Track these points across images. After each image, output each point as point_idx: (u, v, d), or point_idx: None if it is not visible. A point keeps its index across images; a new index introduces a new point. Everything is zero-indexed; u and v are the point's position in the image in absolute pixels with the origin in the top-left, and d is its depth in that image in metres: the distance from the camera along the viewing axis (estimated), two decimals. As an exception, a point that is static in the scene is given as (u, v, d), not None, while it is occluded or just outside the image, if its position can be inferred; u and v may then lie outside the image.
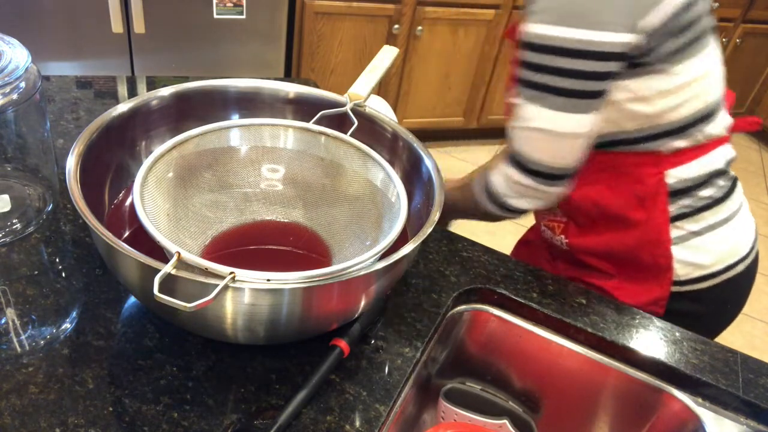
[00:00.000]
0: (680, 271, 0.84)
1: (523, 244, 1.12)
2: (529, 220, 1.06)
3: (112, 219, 0.70)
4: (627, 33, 0.69)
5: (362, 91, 0.77)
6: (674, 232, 0.82)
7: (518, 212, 0.84)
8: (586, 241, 0.89)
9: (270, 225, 0.74)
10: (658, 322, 0.78)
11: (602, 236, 0.86)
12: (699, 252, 0.83)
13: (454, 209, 0.94)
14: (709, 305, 0.88)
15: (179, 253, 0.51)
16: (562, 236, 0.92)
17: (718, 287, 0.86)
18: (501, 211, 0.85)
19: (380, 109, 0.84)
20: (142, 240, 0.56)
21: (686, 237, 0.83)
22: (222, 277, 0.49)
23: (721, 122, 0.81)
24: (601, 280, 0.89)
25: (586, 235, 0.89)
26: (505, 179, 0.81)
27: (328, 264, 0.70)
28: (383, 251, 0.58)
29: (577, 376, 0.77)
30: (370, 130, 0.78)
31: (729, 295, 0.89)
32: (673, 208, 0.81)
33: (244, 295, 0.51)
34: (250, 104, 0.81)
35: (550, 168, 0.77)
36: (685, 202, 0.81)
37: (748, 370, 0.73)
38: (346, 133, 0.73)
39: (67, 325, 0.63)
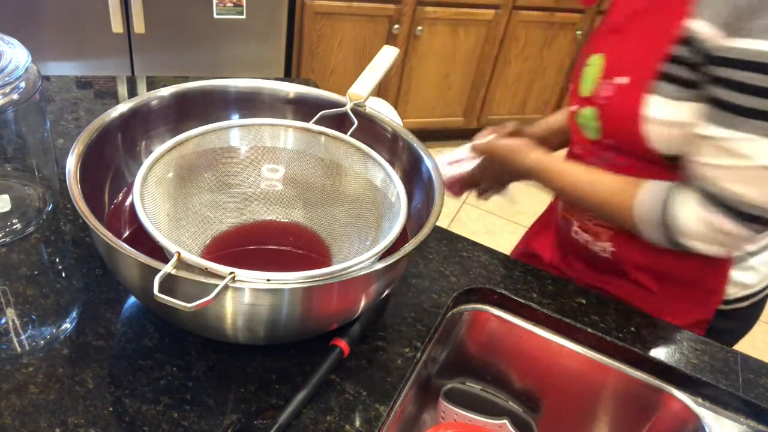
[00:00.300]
0: (729, 291, 0.83)
1: (527, 257, 1.05)
2: (525, 218, 1.05)
3: (112, 219, 0.70)
4: None
5: (362, 91, 0.77)
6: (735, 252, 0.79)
7: (688, 250, 0.74)
8: (639, 254, 0.82)
9: (270, 225, 0.74)
10: (657, 322, 0.78)
11: (659, 252, 0.79)
12: (750, 272, 0.82)
13: (561, 188, 0.81)
14: (743, 323, 0.87)
15: (179, 253, 0.51)
16: (608, 244, 0.85)
17: (755, 305, 0.85)
18: (669, 244, 0.74)
19: (384, 111, 0.83)
20: (142, 240, 0.56)
21: (744, 257, 0.81)
22: (222, 277, 0.49)
23: None
24: (637, 295, 0.85)
25: (640, 247, 0.81)
26: (704, 225, 0.69)
27: (328, 264, 0.70)
28: (383, 251, 0.58)
29: (577, 376, 0.77)
30: (370, 130, 0.78)
31: (759, 312, 0.89)
32: None
33: (244, 295, 0.51)
34: (250, 104, 0.81)
35: None
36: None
37: (748, 370, 0.73)
38: (346, 133, 0.73)
39: (67, 325, 0.63)
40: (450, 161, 0.94)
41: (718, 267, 0.81)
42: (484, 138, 0.92)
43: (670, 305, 0.84)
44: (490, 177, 0.92)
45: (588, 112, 0.79)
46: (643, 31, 0.72)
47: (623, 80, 0.73)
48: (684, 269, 0.82)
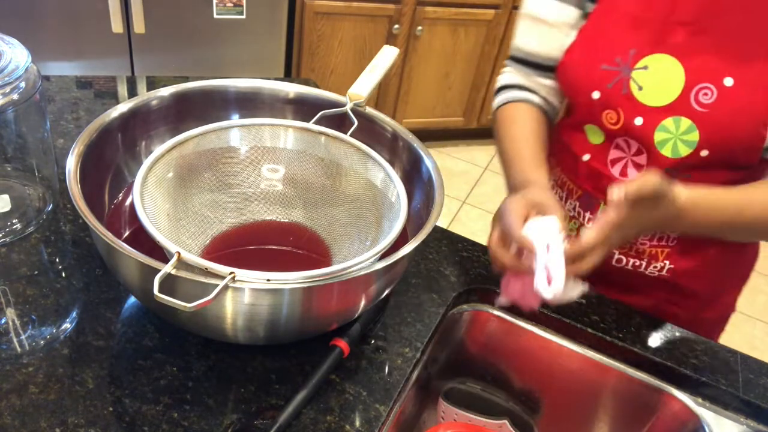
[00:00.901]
0: None
1: None
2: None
3: (112, 219, 0.70)
4: None
5: (362, 91, 0.77)
6: None
7: None
8: (696, 263, 0.80)
9: (270, 225, 0.74)
10: (657, 322, 0.78)
11: (721, 254, 0.78)
12: None
13: (722, 221, 0.69)
14: None
15: (179, 253, 0.51)
16: (666, 262, 0.80)
17: None
18: None
19: None
20: (142, 240, 0.56)
21: None
22: (222, 277, 0.49)
23: None
24: (681, 304, 0.84)
25: (698, 256, 0.79)
26: None
27: (328, 264, 0.70)
28: (383, 251, 0.58)
29: (577, 376, 0.77)
30: (370, 130, 0.78)
31: None
32: None
33: (244, 295, 0.51)
34: (250, 104, 0.81)
35: None
36: None
37: (748, 370, 0.73)
38: (346, 133, 0.73)
39: (67, 325, 0.63)
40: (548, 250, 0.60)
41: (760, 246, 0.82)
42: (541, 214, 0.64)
43: (716, 299, 0.84)
44: (620, 237, 0.63)
45: (673, 123, 0.70)
46: (744, 28, 0.66)
47: (729, 82, 0.67)
48: (743, 260, 0.82)
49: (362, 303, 0.60)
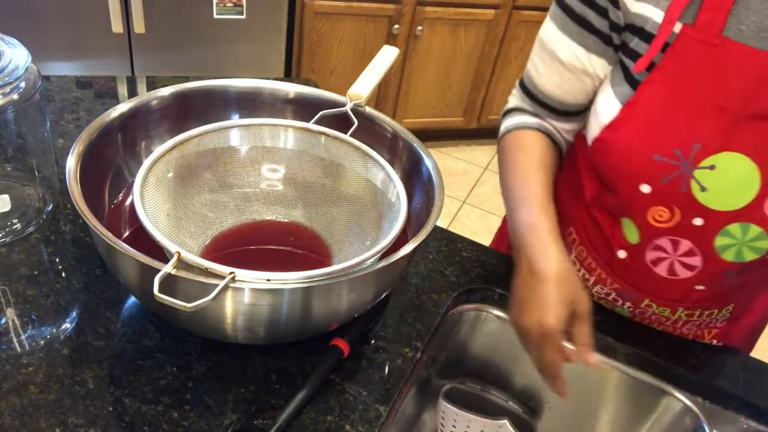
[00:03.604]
0: None
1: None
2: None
3: (112, 219, 0.70)
4: None
5: (362, 91, 0.77)
6: None
7: None
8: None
9: (270, 225, 0.74)
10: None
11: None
12: None
13: None
14: None
15: (179, 253, 0.51)
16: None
17: None
18: None
19: None
20: (142, 240, 0.56)
21: None
22: (222, 277, 0.49)
23: None
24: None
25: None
26: None
27: (328, 264, 0.70)
28: (383, 251, 0.58)
29: (577, 376, 0.77)
30: (370, 130, 0.78)
31: None
32: None
33: (244, 295, 0.51)
34: (250, 104, 0.80)
35: None
36: None
37: (748, 370, 0.73)
38: (346, 133, 0.73)
39: (67, 325, 0.63)
40: None
41: None
42: None
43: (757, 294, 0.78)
44: None
45: (740, 229, 0.61)
46: None
47: None
48: None
49: (362, 303, 0.60)
